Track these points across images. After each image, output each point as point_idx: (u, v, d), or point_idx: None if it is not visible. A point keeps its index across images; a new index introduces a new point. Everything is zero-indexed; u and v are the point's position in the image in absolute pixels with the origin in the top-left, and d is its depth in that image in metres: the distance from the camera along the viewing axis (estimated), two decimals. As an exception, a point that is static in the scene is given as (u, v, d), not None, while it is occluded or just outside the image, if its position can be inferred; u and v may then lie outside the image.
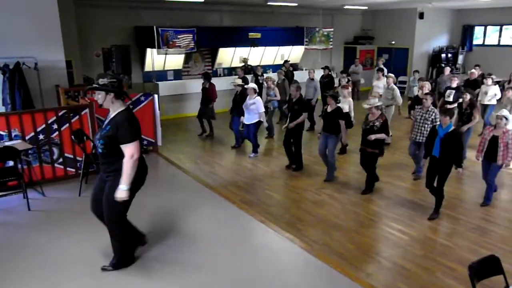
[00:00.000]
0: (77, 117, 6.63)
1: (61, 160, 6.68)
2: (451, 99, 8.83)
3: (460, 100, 7.85)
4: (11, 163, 6.04)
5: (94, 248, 4.51)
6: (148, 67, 11.82)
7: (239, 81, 9.12)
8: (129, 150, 3.69)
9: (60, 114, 6.54)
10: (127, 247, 4.21)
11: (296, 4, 13.45)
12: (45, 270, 4.18)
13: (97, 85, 3.72)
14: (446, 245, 5.10)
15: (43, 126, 6.43)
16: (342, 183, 7.06)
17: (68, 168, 6.72)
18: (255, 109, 8.16)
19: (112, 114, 3.81)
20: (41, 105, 7.23)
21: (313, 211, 6.02)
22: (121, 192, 3.73)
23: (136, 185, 3.91)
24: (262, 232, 5.14)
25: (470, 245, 5.08)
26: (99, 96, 3.74)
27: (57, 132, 6.55)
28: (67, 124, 6.55)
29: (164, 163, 7.87)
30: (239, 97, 8.83)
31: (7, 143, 5.86)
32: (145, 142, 8.03)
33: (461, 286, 4.19)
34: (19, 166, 5.86)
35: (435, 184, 5.75)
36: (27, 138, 6.30)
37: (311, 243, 5.03)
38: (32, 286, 3.96)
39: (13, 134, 6.20)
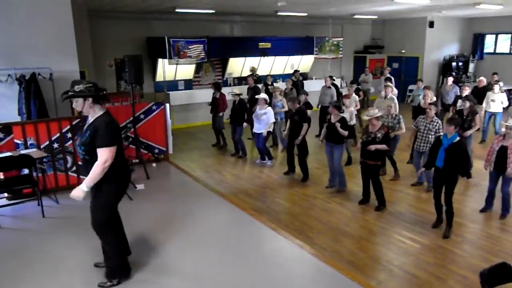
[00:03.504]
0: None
1: (74, 168, 6.79)
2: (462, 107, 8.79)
3: (461, 107, 7.85)
4: (26, 171, 6.17)
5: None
6: (159, 77, 11.99)
7: (237, 91, 9.20)
8: (103, 155, 3.59)
9: (74, 123, 6.67)
10: (122, 253, 4.10)
11: (305, 14, 13.56)
12: (59, 275, 4.25)
13: (73, 93, 3.65)
14: (458, 254, 5.06)
15: (58, 135, 6.57)
16: (352, 192, 7.05)
17: (81, 176, 6.81)
18: (265, 119, 8.21)
19: (91, 119, 3.75)
20: (55, 114, 7.36)
21: (323, 219, 6.02)
22: (79, 191, 3.65)
23: (121, 190, 3.92)
24: (272, 239, 5.15)
25: (482, 254, 5.04)
26: (78, 103, 3.68)
27: (71, 141, 6.69)
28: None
29: (175, 171, 7.95)
30: (238, 107, 8.92)
31: (23, 152, 6.00)
32: (156, 150, 8.14)
33: (473, 294, 4.16)
34: (34, 174, 5.97)
35: (443, 197, 5.60)
36: (42, 146, 6.43)
37: (321, 250, 5.04)
38: (46, 291, 4.03)
39: (28, 143, 6.34)
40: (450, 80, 11.07)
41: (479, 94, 10.26)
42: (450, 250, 5.13)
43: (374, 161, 6.24)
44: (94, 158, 3.69)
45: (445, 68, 16.41)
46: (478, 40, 16.79)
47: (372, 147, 6.13)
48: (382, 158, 6.36)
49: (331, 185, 7.24)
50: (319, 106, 10.75)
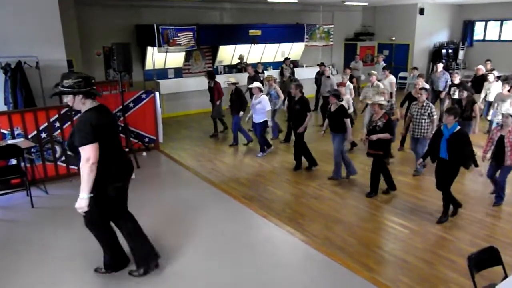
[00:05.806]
0: (79, 115, 6.66)
1: (63, 158, 6.72)
2: (456, 96, 8.75)
3: (458, 96, 7.84)
4: (14, 161, 6.09)
5: (97, 245, 4.54)
6: (148, 65, 11.85)
7: (233, 80, 9.04)
8: (84, 153, 3.39)
9: (62, 112, 6.59)
10: (116, 249, 4.06)
11: (296, 1, 13.45)
12: (48, 266, 4.23)
13: (62, 88, 3.47)
14: (446, 239, 5.13)
15: (46, 124, 6.48)
16: (343, 179, 7.07)
17: (70, 166, 6.76)
18: (261, 108, 8.13)
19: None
20: (43, 104, 7.25)
21: (314, 206, 6.05)
22: (80, 201, 3.43)
23: (121, 184, 3.81)
24: (263, 226, 5.17)
25: (470, 238, 5.11)
26: (68, 98, 3.52)
27: (59, 130, 6.61)
28: (69, 122, 6.59)
29: (165, 160, 7.91)
30: (235, 96, 8.85)
31: (10, 142, 5.91)
32: (146, 139, 8.08)
33: (461, 278, 4.22)
34: (22, 164, 5.90)
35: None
36: (29, 136, 6.35)
37: (313, 237, 5.07)
38: (35, 281, 4.00)
39: (15, 133, 6.25)
40: (440, 66, 11.11)
41: (478, 83, 10.26)
42: (438, 235, 5.20)
43: (375, 151, 6.13)
44: (75, 154, 3.59)
45: (435, 55, 16.46)
46: (467, 27, 16.83)
47: (374, 137, 6.03)
48: (385, 148, 6.18)
49: (335, 177, 7.06)
50: (320, 97, 10.71)
